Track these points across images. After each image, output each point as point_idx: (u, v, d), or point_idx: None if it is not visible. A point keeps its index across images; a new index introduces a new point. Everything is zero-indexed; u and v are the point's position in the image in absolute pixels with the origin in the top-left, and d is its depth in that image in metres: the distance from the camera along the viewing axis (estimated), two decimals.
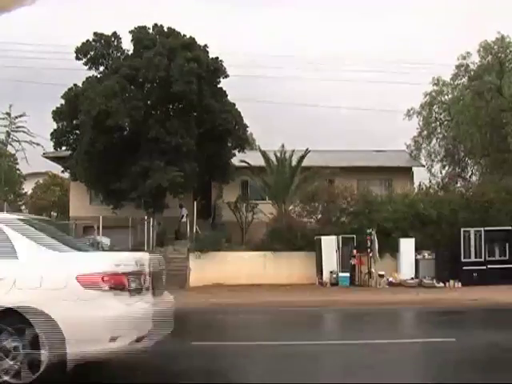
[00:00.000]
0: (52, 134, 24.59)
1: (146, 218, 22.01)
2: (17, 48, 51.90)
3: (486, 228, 19.91)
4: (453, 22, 59.12)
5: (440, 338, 8.98)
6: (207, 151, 24.13)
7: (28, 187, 35.07)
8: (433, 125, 31.72)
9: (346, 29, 65.26)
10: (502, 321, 12.02)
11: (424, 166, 31.27)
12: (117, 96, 22.49)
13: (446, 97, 31.16)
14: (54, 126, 24.50)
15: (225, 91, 25.06)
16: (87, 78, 24.19)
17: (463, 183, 29.96)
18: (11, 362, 5.51)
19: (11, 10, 2.89)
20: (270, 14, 66.26)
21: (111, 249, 22.82)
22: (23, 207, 35.55)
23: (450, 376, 6.79)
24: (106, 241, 22.62)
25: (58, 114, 24.28)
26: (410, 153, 32.11)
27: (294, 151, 23.57)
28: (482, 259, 19.66)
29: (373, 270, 19.61)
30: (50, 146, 26.19)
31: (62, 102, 24.25)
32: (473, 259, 19.66)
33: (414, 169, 29.94)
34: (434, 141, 32.11)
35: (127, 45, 24.71)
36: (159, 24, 24.93)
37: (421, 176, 29.37)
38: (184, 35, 24.45)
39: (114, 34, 24.73)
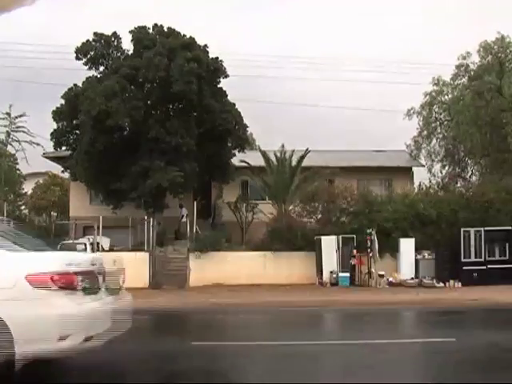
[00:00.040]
0: (52, 134, 24.60)
1: (145, 217, 22.01)
2: (17, 48, 51.97)
3: (486, 228, 19.92)
4: (453, 21, 59.17)
5: (440, 337, 8.98)
6: (207, 151, 24.13)
7: (28, 187, 35.03)
8: (433, 125, 31.73)
9: (346, 29, 65.36)
10: (502, 321, 12.02)
11: (424, 166, 31.30)
12: (117, 96, 22.50)
13: (446, 97, 31.16)
14: (54, 125, 24.55)
15: (225, 91, 25.06)
16: (87, 78, 24.20)
17: (463, 183, 29.98)
18: None
19: (11, 9, 2.89)
20: (270, 14, 66.35)
21: (111, 249, 22.93)
22: (23, 207, 35.55)
23: (450, 376, 6.78)
24: (105, 241, 22.65)
25: (58, 114, 24.28)
26: (409, 153, 32.11)
27: (293, 151, 23.58)
28: (482, 259, 19.67)
29: (373, 270, 19.61)
30: (50, 146, 26.22)
31: (62, 101, 24.27)
32: (473, 259, 19.67)
33: (414, 169, 29.94)
34: (434, 141, 32.14)
35: (127, 45, 24.79)
36: (159, 24, 24.94)
37: (421, 176, 29.44)
38: (184, 35, 24.45)
39: (114, 33, 24.73)
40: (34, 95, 35.75)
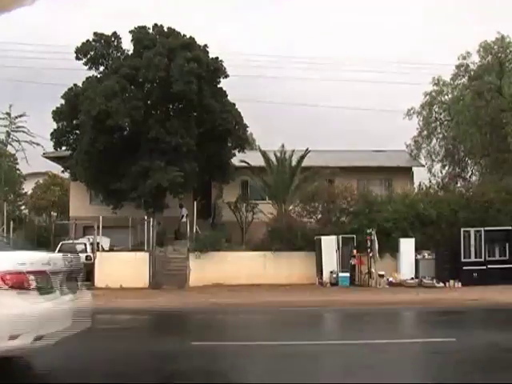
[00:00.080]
0: (52, 134, 24.60)
1: (145, 217, 22.00)
2: (17, 48, 52.05)
3: (486, 228, 19.92)
4: (453, 22, 59.19)
5: (440, 337, 8.98)
6: (207, 151, 24.13)
7: (28, 187, 35.03)
8: (433, 125, 31.74)
9: (346, 29, 65.38)
10: (502, 321, 12.02)
11: (424, 166, 31.31)
12: (117, 96, 22.50)
13: (446, 97, 31.17)
14: (54, 125, 24.55)
15: (225, 91, 25.06)
16: (87, 78, 24.20)
17: (463, 183, 29.99)
18: None
19: (11, 9, 2.89)
20: (271, 14, 66.35)
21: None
22: (23, 207, 35.55)
23: (451, 376, 6.78)
24: (105, 241, 22.64)
25: (58, 114, 24.28)
26: (409, 153, 32.12)
27: (293, 151, 23.58)
28: (482, 259, 19.67)
29: (373, 270, 19.61)
30: (50, 146, 26.22)
31: (62, 101, 24.27)
32: (473, 259, 19.67)
33: (414, 169, 29.94)
34: (434, 141, 32.16)
35: (127, 45, 24.79)
36: (159, 24, 24.93)
37: (421, 176, 29.44)
38: (184, 35, 24.45)
39: (114, 33, 24.73)
40: (34, 95, 35.85)
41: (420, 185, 26.51)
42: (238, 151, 25.64)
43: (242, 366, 7.63)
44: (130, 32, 24.46)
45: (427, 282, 19.35)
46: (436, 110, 31.62)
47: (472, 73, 29.43)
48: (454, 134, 30.15)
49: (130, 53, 24.66)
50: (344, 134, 45.36)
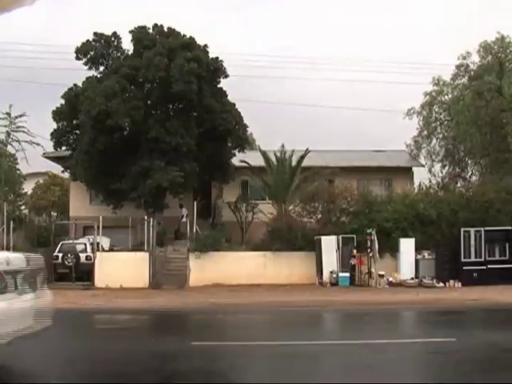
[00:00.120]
0: (52, 134, 24.58)
1: (145, 217, 21.99)
2: (17, 48, 52.02)
3: (486, 228, 19.91)
4: (453, 21, 59.18)
5: (440, 337, 8.98)
6: (207, 151, 24.13)
7: (28, 187, 34.99)
8: (433, 125, 31.74)
9: (347, 29, 65.33)
10: (502, 321, 12.03)
11: (424, 166, 31.29)
12: (117, 96, 22.49)
13: (446, 97, 31.18)
14: (54, 125, 24.53)
15: (225, 91, 25.05)
16: (87, 78, 24.19)
17: (463, 183, 29.97)
18: None
19: (11, 9, 2.88)
20: (271, 13, 66.33)
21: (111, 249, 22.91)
22: (23, 207, 35.51)
23: (451, 376, 6.79)
24: (105, 241, 22.63)
25: (58, 114, 24.27)
26: (409, 153, 32.12)
27: (293, 151, 23.56)
28: (482, 259, 19.66)
29: (373, 270, 19.61)
30: (50, 146, 26.20)
31: (62, 101, 24.26)
32: (473, 259, 19.66)
33: (414, 169, 29.93)
34: (434, 141, 32.17)
35: (127, 45, 24.76)
36: (159, 24, 24.92)
37: (421, 176, 29.42)
38: (184, 35, 24.44)
39: (114, 33, 24.72)
40: (34, 95, 35.84)
41: (420, 185, 26.51)
42: (238, 151, 25.63)
43: (242, 366, 7.64)
44: (129, 32, 24.45)
45: (427, 281, 19.35)
46: (436, 109, 31.64)
47: (472, 73, 29.44)
48: (454, 134, 30.16)
49: (130, 53, 24.65)
50: (344, 134, 45.39)
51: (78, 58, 24.22)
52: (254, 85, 48.55)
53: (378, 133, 46.55)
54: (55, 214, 32.95)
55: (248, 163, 24.03)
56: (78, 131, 24.55)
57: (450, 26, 57.08)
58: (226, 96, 24.99)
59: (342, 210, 22.40)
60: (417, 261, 20.27)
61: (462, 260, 19.64)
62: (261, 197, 25.56)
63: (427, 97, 31.06)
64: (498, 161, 28.49)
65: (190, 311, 14.96)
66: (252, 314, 14.34)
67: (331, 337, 10.56)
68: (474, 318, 13.32)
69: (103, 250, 21.67)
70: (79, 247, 22.50)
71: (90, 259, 21.15)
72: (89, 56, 24.30)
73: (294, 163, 23.36)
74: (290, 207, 23.11)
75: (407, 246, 20.32)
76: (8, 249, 20.49)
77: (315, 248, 20.58)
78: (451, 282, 19.22)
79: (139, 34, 24.34)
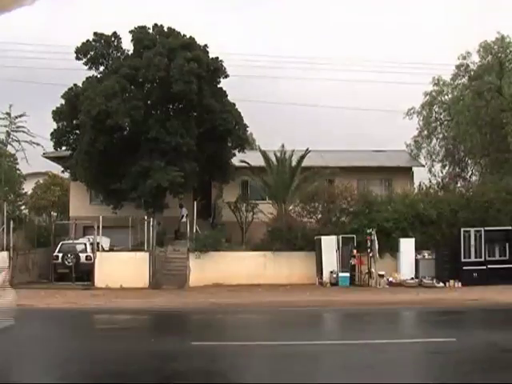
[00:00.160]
0: (52, 134, 24.57)
1: (145, 217, 21.99)
2: (17, 48, 52.04)
3: (486, 228, 19.90)
4: (453, 21, 59.19)
5: (440, 337, 8.99)
6: (207, 151, 24.13)
7: (28, 187, 34.96)
8: (433, 125, 31.73)
9: (347, 29, 65.32)
10: (502, 321, 12.04)
11: (424, 166, 31.27)
12: (117, 96, 22.49)
13: (446, 97, 31.17)
14: (54, 125, 24.51)
15: (225, 91, 25.05)
16: (87, 78, 24.18)
17: (463, 183, 29.96)
18: None
19: (11, 9, 2.88)
20: (271, 13, 66.33)
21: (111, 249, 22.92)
22: (23, 207, 35.50)
23: (451, 376, 6.79)
24: (105, 241, 22.63)
25: (58, 114, 24.27)
26: (409, 153, 32.11)
27: (293, 151, 23.55)
28: (482, 259, 19.65)
29: (373, 269, 19.60)
30: (50, 146, 26.18)
31: (62, 101, 24.25)
32: (473, 259, 19.65)
33: (414, 169, 29.92)
34: (434, 141, 32.14)
35: (127, 45, 24.74)
36: (159, 24, 24.91)
37: (421, 176, 29.41)
38: (184, 35, 24.44)
39: (114, 33, 24.71)
40: (34, 95, 35.82)
41: (420, 185, 26.49)
42: (238, 151, 25.62)
43: (242, 366, 7.64)
44: (130, 32, 24.44)
45: (427, 281, 19.35)
46: (436, 109, 31.62)
47: (472, 73, 29.43)
48: (454, 134, 30.15)
49: (130, 53, 24.64)
50: (344, 134, 45.35)
51: (77, 58, 24.22)
52: (254, 85, 48.58)
53: (377, 133, 46.52)
54: (55, 213, 32.92)
55: (248, 163, 24.02)
56: (77, 131, 24.54)
57: (450, 25, 57.12)
58: (226, 96, 24.99)
59: (341, 210, 22.39)
60: (417, 261, 20.26)
61: (462, 260, 19.63)
62: (261, 197, 25.55)
63: (427, 97, 31.06)
64: (498, 161, 28.49)
65: (190, 311, 14.96)
66: (252, 314, 14.34)
67: (331, 337, 10.56)
68: (474, 318, 13.32)
69: (103, 250, 21.67)
70: (79, 247, 22.51)
71: (90, 259, 21.15)
72: (89, 56, 24.29)
73: (294, 163, 23.35)
74: (290, 207, 23.10)
75: (407, 245, 20.31)
76: (8, 249, 20.51)
77: (315, 248, 20.58)
78: (451, 281, 19.21)
79: (139, 33, 24.34)
